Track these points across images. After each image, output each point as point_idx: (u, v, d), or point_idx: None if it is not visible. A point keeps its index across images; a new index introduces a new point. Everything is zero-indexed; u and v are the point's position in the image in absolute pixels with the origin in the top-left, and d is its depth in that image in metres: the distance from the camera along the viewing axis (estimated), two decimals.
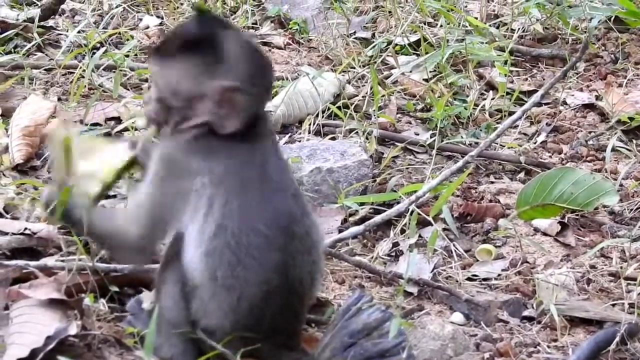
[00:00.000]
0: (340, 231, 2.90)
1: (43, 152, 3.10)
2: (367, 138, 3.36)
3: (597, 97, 3.93)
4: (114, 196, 2.90)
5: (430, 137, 3.46)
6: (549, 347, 2.51)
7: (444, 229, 2.98)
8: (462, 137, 3.53)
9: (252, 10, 4.46)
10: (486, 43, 3.97)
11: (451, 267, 2.83)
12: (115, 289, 2.38)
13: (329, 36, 4.19)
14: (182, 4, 4.47)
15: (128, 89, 3.65)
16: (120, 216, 2.20)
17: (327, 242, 2.68)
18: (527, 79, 4.10)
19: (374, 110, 3.55)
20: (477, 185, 3.32)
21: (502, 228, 2.99)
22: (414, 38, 4.09)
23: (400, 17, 4.21)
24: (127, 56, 3.76)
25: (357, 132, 3.40)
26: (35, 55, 3.88)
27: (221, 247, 2.06)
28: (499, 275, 2.82)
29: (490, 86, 3.91)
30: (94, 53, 3.63)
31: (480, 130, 3.59)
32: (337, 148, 3.18)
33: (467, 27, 4.14)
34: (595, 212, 3.15)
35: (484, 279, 2.80)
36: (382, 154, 3.39)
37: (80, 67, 3.55)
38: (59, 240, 2.57)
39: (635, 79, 4.11)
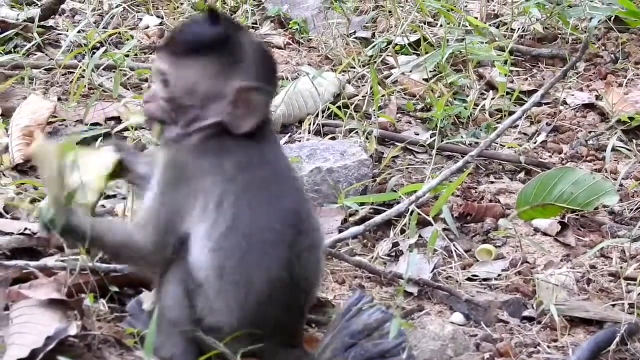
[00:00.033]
0: (340, 231, 2.90)
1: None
2: (367, 138, 3.36)
3: (598, 97, 3.93)
4: (114, 196, 2.91)
5: (431, 137, 3.46)
6: (549, 347, 2.51)
7: (444, 229, 2.98)
8: (462, 137, 3.53)
9: (252, 10, 4.46)
10: (486, 43, 3.97)
11: (451, 268, 2.83)
12: (115, 289, 2.38)
13: (329, 36, 4.19)
14: (182, 4, 4.47)
15: (128, 89, 3.65)
16: (129, 226, 2.18)
17: (327, 243, 2.68)
18: (527, 79, 4.10)
19: (374, 110, 3.55)
20: (477, 185, 3.32)
21: (503, 228, 2.99)
22: (414, 38, 4.09)
23: (400, 17, 4.21)
24: (127, 56, 3.76)
25: (357, 132, 3.40)
26: (36, 55, 3.88)
27: (231, 243, 2.07)
28: (499, 275, 2.82)
29: (491, 86, 3.91)
30: (94, 53, 3.63)
31: (481, 130, 3.59)
32: (337, 148, 3.18)
33: (467, 27, 4.14)
34: (596, 212, 3.15)
35: (484, 280, 2.80)
36: (383, 154, 3.39)
37: (81, 67, 3.55)
38: (60, 240, 2.57)
39: (635, 79, 4.11)
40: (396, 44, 4.06)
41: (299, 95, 3.55)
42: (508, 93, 3.75)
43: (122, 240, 2.14)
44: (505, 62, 3.81)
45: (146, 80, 3.70)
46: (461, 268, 2.83)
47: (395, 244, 2.90)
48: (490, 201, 3.20)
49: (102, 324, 2.27)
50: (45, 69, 3.72)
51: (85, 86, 3.54)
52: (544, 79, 4.08)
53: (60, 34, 4.08)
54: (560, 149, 3.60)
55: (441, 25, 4.22)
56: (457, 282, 2.77)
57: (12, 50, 3.86)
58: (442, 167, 3.33)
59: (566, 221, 3.07)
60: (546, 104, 3.88)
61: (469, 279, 2.80)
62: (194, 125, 2.12)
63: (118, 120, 3.33)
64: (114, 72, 3.58)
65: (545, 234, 3.04)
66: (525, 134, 3.70)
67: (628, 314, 2.61)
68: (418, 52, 3.98)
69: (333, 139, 3.39)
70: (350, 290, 2.64)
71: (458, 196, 3.20)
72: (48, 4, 4.10)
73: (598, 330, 2.57)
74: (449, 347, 2.36)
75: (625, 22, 4.46)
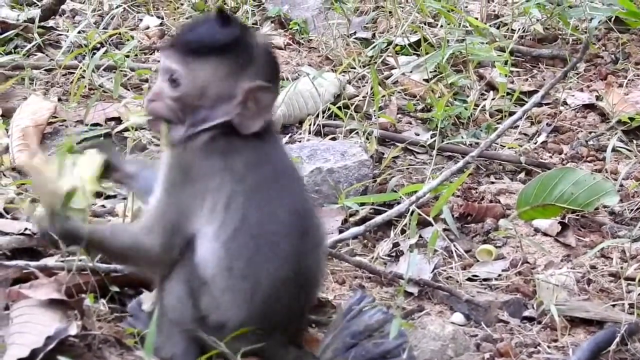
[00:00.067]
0: (340, 231, 2.90)
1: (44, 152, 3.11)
2: (367, 138, 3.36)
3: (598, 98, 3.93)
4: (114, 196, 2.91)
5: (431, 138, 3.46)
6: (549, 347, 2.51)
7: (445, 230, 2.98)
8: (462, 137, 3.53)
9: (252, 10, 4.46)
10: (486, 43, 3.97)
11: (451, 268, 2.83)
12: (115, 289, 2.38)
13: (329, 36, 4.19)
14: (182, 5, 4.47)
15: (128, 89, 3.65)
16: (134, 229, 2.17)
17: (327, 242, 2.67)
18: (527, 80, 4.10)
19: (375, 111, 3.55)
20: (477, 185, 3.32)
21: (503, 228, 2.99)
22: (414, 38, 4.09)
23: (400, 17, 4.21)
24: (127, 56, 3.76)
25: (357, 133, 3.40)
26: (36, 55, 3.88)
27: (241, 241, 2.08)
28: (500, 275, 2.82)
29: (491, 86, 3.91)
30: (94, 53, 3.62)
31: (481, 130, 3.59)
32: (337, 148, 3.18)
33: (467, 27, 4.14)
34: (596, 213, 3.15)
35: (485, 280, 2.80)
36: (383, 154, 3.39)
37: (81, 68, 3.55)
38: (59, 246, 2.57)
39: (635, 79, 4.11)
40: (396, 44, 4.06)
41: (299, 95, 3.55)
42: (508, 93, 3.75)
43: (128, 244, 2.14)
44: (506, 63, 3.81)
45: (146, 81, 3.69)
46: (461, 268, 2.83)
47: (396, 244, 2.90)
48: (491, 201, 3.20)
49: (102, 324, 2.27)
50: (45, 70, 3.72)
51: (86, 86, 3.54)
52: (544, 80, 4.08)
53: (61, 35, 4.08)
54: (560, 149, 3.60)
55: (441, 26, 4.22)
56: (457, 282, 2.76)
57: (12, 50, 3.86)
58: (442, 168, 3.33)
59: (566, 221, 3.07)
60: (546, 104, 3.88)
61: (469, 279, 2.80)
62: (201, 125, 2.13)
63: (118, 120, 3.32)
64: (114, 72, 3.58)
65: (545, 234, 3.04)
66: (525, 134, 3.70)
67: (628, 314, 2.61)
68: (418, 53, 3.98)
69: (333, 139, 3.39)
70: (350, 290, 2.64)
71: (458, 196, 3.20)
72: (48, 4, 4.10)
73: (598, 330, 2.57)
74: (449, 347, 2.36)
75: (626, 23, 4.46)
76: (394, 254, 2.87)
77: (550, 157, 3.56)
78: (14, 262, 2.44)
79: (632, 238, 2.93)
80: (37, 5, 4.24)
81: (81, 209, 2.18)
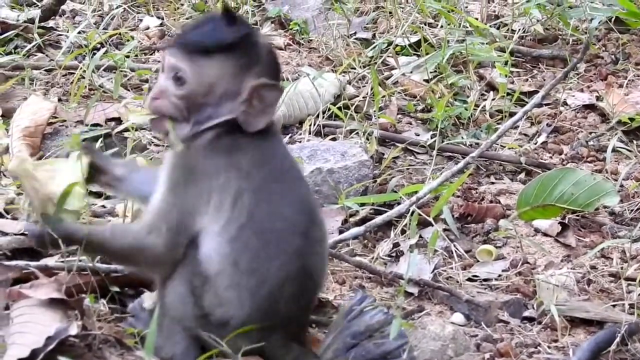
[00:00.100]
0: (340, 232, 2.91)
1: (44, 152, 3.11)
2: (367, 139, 3.36)
3: (598, 98, 3.93)
4: (114, 196, 2.90)
5: (431, 138, 3.46)
6: (549, 347, 2.51)
7: (445, 230, 2.98)
8: (462, 137, 3.53)
9: (252, 10, 4.46)
10: (487, 44, 3.97)
11: (452, 268, 2.83)
12: (115, 289, 2.38)
13: (329, 37, 4.19)
14: (182, 5, 4.47)
15: (128, 90, 3.65)
16: (137, 229, 2.17)
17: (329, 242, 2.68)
18: (527, 80, 4.10)
19: (375, 111, 3.55)
20: (477, 185, 3.32)
21: (503, 229, 2.99)
22: (414, 39, 4.09)
23: (400, 17, 4.21)
24: (127, 57, 3.76)
25: (357, 133, 3.40)
26: (36, 55, 3.88)
27: (248, 236, 2.09)
28: (500, 275, 2.82)
29: (491, 87, 3.91)
30: (94, 54, 3.62)
31: (481, 131, 3.59)
32: (337, 149, 3.18)
33: (467, 27, 4.14)
34: (596, 213, 3.15)
35: (485, 280, 2.80)
36: (383, 154, 3.39)
37: (81, 68, 3.55)
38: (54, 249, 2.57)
39: (635, 80, 4.11)
40: (396, 45, 4.06)
41: (299, 95, 3.55)
42: (508, 94, 3.75)
43: (131, 244, 2.14)
44: (506, 63, 3.81)
45: (146, 81, 3.69)
46: (461, 268, 2.83)
47: (396, 244, 2.90)
48: (491, 202, 3.20)
49: (102, 324, 2.27)
50: (45, 70, 3.71)
51: (86, 87, 3.54)
52: (545, 80, 4.08)
53: (61, 35, 4.08)
54: (560, 150, 3.60)
55: (441, 26, 4.22)
56: (458, 282, 2.76)
57: (13, 51, 3.86)
58: (443, 168, 3.33)
59: (566, 222, 3.07)
60: (546, 104, 3.88)
61: (469, 279, 2.80)
62: (205, 123, 2.13)
63: (118, 121, 3.32)
64: (114, 72, 3.57)
65: (545, 235, 3.04)
66: (525, 135, 3.70)
67: (628, 314, 2.61)
68: (418, 53, 3.98)
69: (333, 139, 3.39)
70: (350, 291, 2.64)
71: (458, 197, 3.20)
72: (48, 4, 4.10)
73: (598, 330, 2.57)
74: (450, 347, 2.36)
75: (626, 23, 4.46)
76: (394, 254, 2.87)
77: (551, 157, 3.56)
78: (14, 262, 2.44)
79: (632, 238, 2.93)
80: (37, 5, 4.24)
81: (75, 210, 2.18)
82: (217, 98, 2.13)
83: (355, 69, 3.90)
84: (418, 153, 3.49)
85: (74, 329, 2.10)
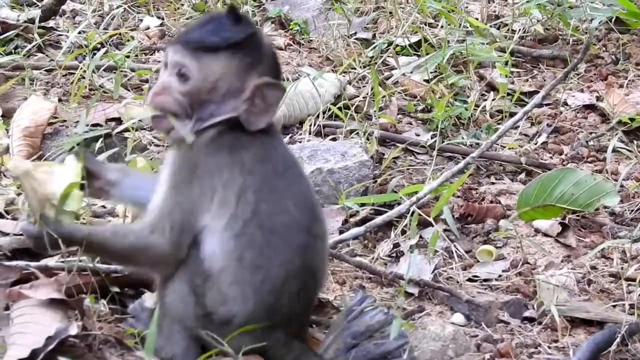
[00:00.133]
0: (341, 232, 2.90)
1: (44, 152, 3.11)
2: (367, 139, 3.36)
3: (598, 98, 3.93)
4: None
5: (431, 138, 3.46)
6: (549, 347, 2.51)
7: (445, 230, 2.98)
8: (462, 138, 3.53)
9: (252, 10, 4.46)
10: (487, 44, 3.97)
11: (452, 268, 2.83)
12: (116, 289, 2.38)
13: (329, 37, 4.19)
14: (182, 5, 4.47)
15: (128, 90, 3.65)
16: (139, 229, 2.16)
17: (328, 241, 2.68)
18: (527, 80, 4.10)
19: (375, 111, 3.55)
20: (477, 186, 3.32)
21: (503, 229, 2.99)
22: (414, 39, 4.09)
23: (401, 17, 4.21)
24: (127, 57, 3.76)
25: (357, 133, 3.40)
26: (36, 56, 3.88)
27: (253, 230, 2.10)
28: (500, 276, 2.82)
29: (491, 87, 3.91)
30: (94, 54, 3.62)
31: (481, 131, 3.59)
32: (337, 149, 3.18)
33: (467, 28, 4.14)
34: (596, 213, 3.15)
35: (485, 280, 2.80)
36: (383, 154, 3.39)
37: (81, 68, 3.55)
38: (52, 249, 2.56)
39: (636, 80, 4.11)
40: (397, 45, 4.06)
41: (300, 96, 3.55)
42: (508, 94, 3.75)
43: (134, 244, 2.14)
44: (506, 63, 3.81)
45: (146, 81, 3.70)
46: (462, 268, 2.83)
47: (396, 245, 2.90)
48: (491, 202, 3.20)
49: (102, 324, 2.27)
50: (45, 70, 3.71)
51: (86, 87, 3.55)
52: (545, 80, 4.08)
53: (61, 35, 4.08)
54: (560, 150, 3.60)
55: (442, 26, 4.22)
56: (458, 282, 2.76)
57: (13, 51, 3.86)
58: (443, 168, 3.33)
59: (567, 222, 3.07)
60: (547, 104, 3.88)
61: (470, 280, 2.80)
62: (208, 121, 2.14)
63: (118, 121, 3.32)
64: (115, 72, 3.57)
65: (545, 235, 3.04)
66: (525, 135, 3.70)
67: (628, 315, 2.61)
68: (419, 53, 3.98)
69: (334, 139, 3.39)
70: (350, 291, 2.64)
71: (459, 197, 3.20)
72: (48, 4, 4.10)
73: (598, 330, 2.57)
74: (450, 348, 2.36)
75: (626, 23, 4.46)
76: (394, 255, 2.87)
77: (551, 157, 3.56)
78: (14, 262, 2.44)
79: (632, 239, 2.93)
80: (38, 5, 4.23)
81: (74, 212, 2.18)
82: (220, 95, 2.14)
83: (355, 69, 3.90)
84: (418, 153, 3.49)
85: (74, 329, 2.10)
